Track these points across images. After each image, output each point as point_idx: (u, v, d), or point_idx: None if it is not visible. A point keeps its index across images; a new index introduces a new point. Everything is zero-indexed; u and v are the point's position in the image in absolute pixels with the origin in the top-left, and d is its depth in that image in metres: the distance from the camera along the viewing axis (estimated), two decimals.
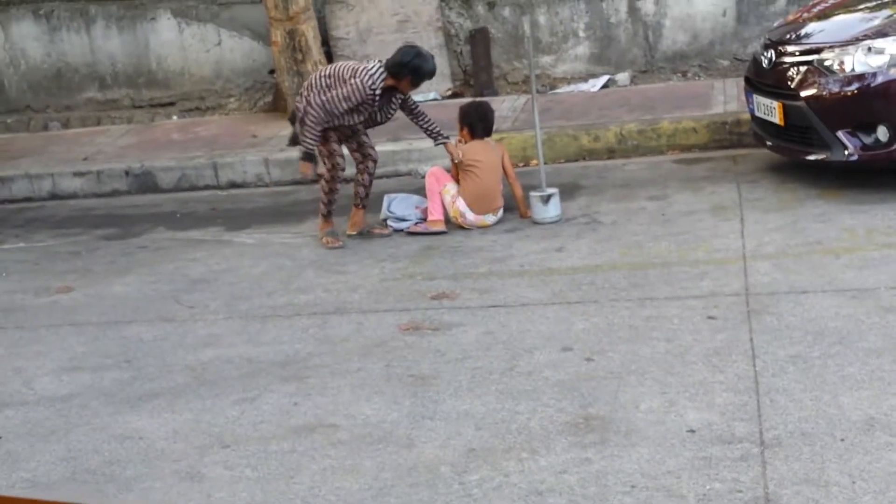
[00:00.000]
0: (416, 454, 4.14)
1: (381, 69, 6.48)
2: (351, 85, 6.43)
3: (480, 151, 6.77)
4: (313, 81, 6.60)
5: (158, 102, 10.24)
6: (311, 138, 6.52)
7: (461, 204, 6.71)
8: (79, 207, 8.50)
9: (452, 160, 6.83)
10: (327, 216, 6.76)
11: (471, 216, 6.72)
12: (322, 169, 6.74)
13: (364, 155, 6.86)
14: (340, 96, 6.45)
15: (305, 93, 6.60)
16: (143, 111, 10.24)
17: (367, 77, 6.43)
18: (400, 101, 6.68)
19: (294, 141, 6.76)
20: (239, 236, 7.24)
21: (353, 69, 6.51)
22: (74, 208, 8.49)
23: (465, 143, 6.89)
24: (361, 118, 6.60)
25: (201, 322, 5.75)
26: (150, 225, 7.74)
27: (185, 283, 6.37)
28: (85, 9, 10.22)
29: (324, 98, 6.45)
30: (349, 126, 6.66)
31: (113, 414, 4.76)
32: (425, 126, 6.77)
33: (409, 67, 6.45)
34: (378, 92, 6.46)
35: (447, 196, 6.77)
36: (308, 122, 6.49)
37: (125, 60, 10.22)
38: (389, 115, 6.74)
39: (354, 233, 6.88)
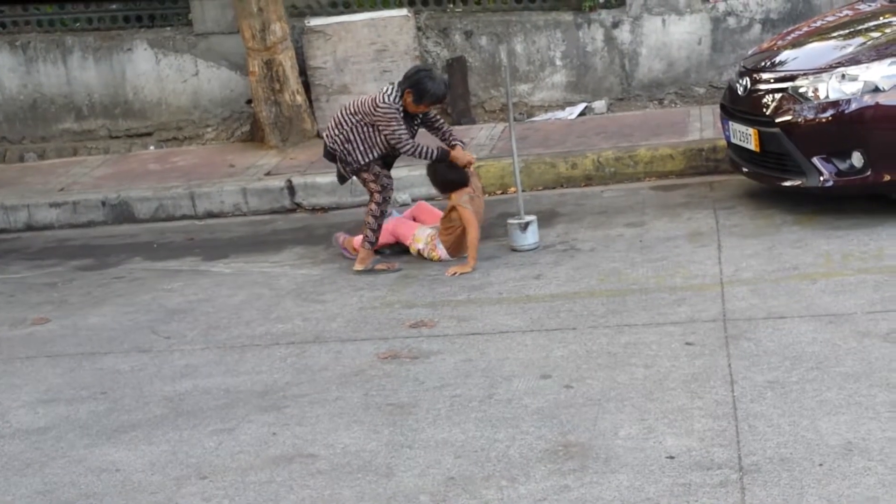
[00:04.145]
0: (395, 483, 4.12)
1: (396, 88, 6.51)
2: (384, 115, 6.42)
3: (475, 201, 6.65)
4: (342, 118, 6.59)
5: (135, 133, 10.21)
6: (423, 149, 6.51)
7: (442, 251, 6.67)
8: (55, 238, 8.46)
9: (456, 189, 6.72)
10: (374, 243, 6.70)
11: (448, 257, 6.68)
12: (376, 197, 6.65)
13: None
14: (394, 130, 6.44)
15: (336, 131, 6.60)
16: (120, 141, 10.21)
17: (383, 98, 6.44)
18: (420, 118, 6.66)
19: (342, 178, 6.77)
20: (216, 266, 7.22)
21: (372, 103, 6.50)
22: (50, 239, 8.45)
23: (453, 195, 6.65)
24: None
25: (178, 352, 5.72)
26: (127, 255, 7.71)
27: (162, 314, 6.34)
28: (61, 40, 10.21)
29: (397, 140, 6.45)
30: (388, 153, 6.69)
31: (89, 446, 4.72)
32: (443, 136, 6.74)
33: (411, 81, 6.45)
34: (400, 107, 6.45)
35: (419, 244, 6.72)
36: (410, 148, 6.50)
37: (102, 91, 10.20)
38: (413, 132, 6.71)
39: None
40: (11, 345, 6.11)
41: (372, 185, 6.68)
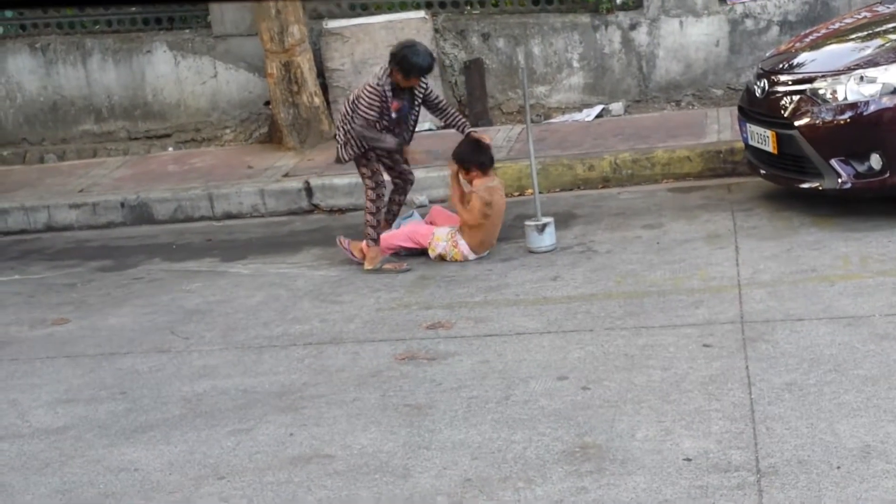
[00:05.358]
0: (412, 484, 4.12)
1: (386, 67, 6.64)
2: (366, 92, 6.61)
3: (500, 197, 6.73)
4: (347, 107, 6.78)
5: (154, 134, 10.26)
6: (375, 136, 6.64)
7: (465, 248, 6.68)
8: (74, 239, 8.50)
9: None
10: (376, 240, 6.76)
11: (472, 256, 6.69)
12: (369, 193, 6.77)
13: (405, 181, 7.02)
14: (364, 106, 6.60)
15: (342, 120, 6.81)
16: (139, 143, 10.25)
17: (373, 79, 6.63)
18: (421, 97, 6.75)
19: (339, 160, 6.90)
20: (234, 267, 7.24)
21: (365, 85, 6.71)
22: (70, 240, 8.49)
23: (475, 181, 6.69)
24: (389, 121, 6.64)
25: (197, 353, 5.74)
26: (146, 256, 7.74)
27: (180, 315, 6.37)
28: (81, 42, 10.26)
29: (359, 116, 6.59)
30: (390, 146, 6.73)
31: (108, 446, 4.74)
32: (449, 120, 6.86)
33: (396, 58, 6.58)
34: (386, 88, 6.56)
35: (441, 242, 6.72)
36: (363, 132, 6.61)
37: (121, 93, 10.25)
38: (415, 114, 6.84)
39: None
40: (31, 345, 6.15)
41: (368, 182, 6.79)
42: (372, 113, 6.59)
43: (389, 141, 6.69)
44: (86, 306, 6.73)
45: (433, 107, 6.86)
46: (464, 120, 6.93)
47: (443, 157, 7.70)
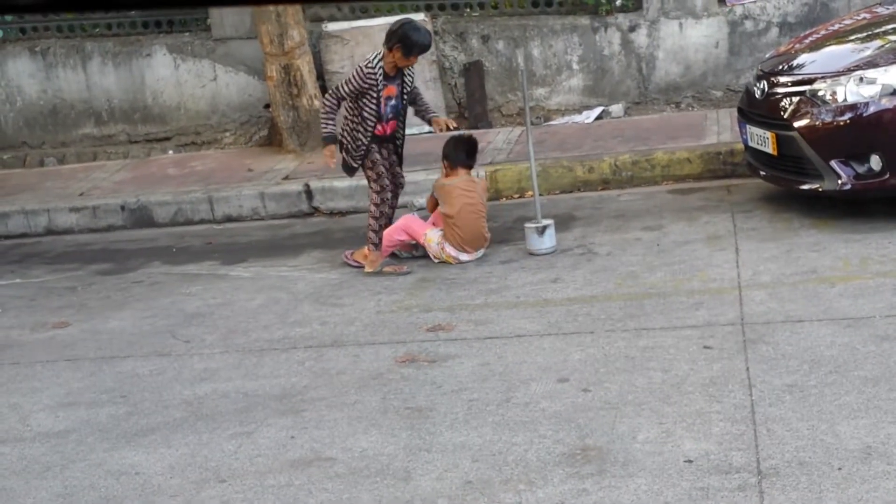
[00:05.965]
0: (413, 487, 4.13)
1: (379, 52, 6.65)
2: (352, 72, 6.67)
3: (459, 195, 6.69)
4: (344, 106, 6.86)
5: (154, 137, 10.26)
6: (325, 114, 6.74)
7: (451, 250, 6.69)
8: (75, 243, 8.50)
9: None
10: (378, 244, 6.75)
11: (465, 256, 6.70)
12: (374, 198, 6.78)
13: (395, 184, 6.98)
14: (343, 81, 6.74)
15: (341, 120, 6.87)
16: (139, 146, 10.26)
17: (364, 62, 6.63)
18: (410, 86, 6.75)
19: (347, 168, 6.91)
20: (235, 270, 7.25)
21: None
22: (70, 244, 8.49)
23: (447, 176, 6.84)
24: (373, 106, 6.61)
25: (197, 356, 5.74)
26: (146, 259, 7.74)
27: (181, 318, 6.37)
28: (81, 45, 10.27)
29: (340, 84, 6.75)
30: (373, 129, 6.69)
31: (109, 449, 4.75)
32: (421, 110, 6.90)
33: (397, 35, 6.53)
34: (378, 72, 6.55)
35: (433, 244, 6.74)
36: (322, 104, 6.83)
37: (121, 96, 10.25)
38: (405, 103, 6.83)
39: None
40: (32, 348, 6.15)
41: (373, 185, 6.79)
42: (346, 88, 6.62)
43: (326, 128, 6.70)
44: (86, 310, 6.73)
45: (413, 95, 6.86)
46: (427, 105, 6.97)
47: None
